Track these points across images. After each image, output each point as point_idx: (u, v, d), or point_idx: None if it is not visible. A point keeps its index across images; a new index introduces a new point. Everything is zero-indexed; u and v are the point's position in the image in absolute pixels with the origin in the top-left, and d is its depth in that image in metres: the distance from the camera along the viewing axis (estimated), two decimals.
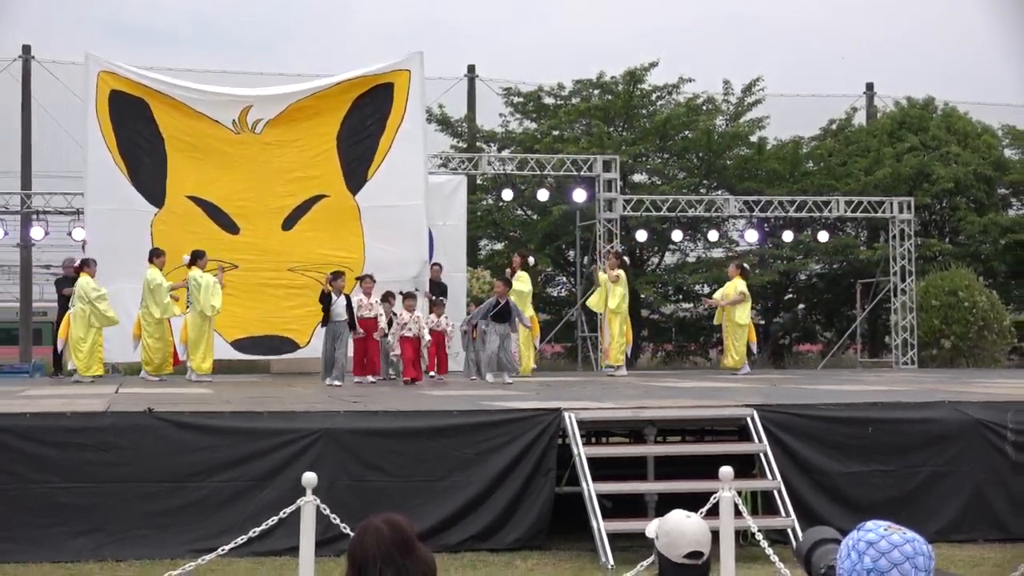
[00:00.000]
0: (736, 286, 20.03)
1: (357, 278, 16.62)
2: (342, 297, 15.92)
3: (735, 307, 19.94)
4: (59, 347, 17.83)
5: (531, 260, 19.94)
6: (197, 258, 16.73)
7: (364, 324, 16.08)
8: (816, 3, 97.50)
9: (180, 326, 17.02)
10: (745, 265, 22.10)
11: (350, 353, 16.27)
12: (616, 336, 19.32)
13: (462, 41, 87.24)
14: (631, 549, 9.17)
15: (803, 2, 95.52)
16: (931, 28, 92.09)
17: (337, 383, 15.41)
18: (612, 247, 23.36)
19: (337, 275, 16.12)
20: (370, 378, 16.17)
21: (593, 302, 20.30)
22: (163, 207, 18.24)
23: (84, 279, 16.59)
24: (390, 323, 16.37)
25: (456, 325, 17.87)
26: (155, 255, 16.86)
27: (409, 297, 16.34)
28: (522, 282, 18.72)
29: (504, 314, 16.12)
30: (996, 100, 34.66)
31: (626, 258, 21.68)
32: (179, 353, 17.19)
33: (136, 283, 17.04)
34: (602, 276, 19.55)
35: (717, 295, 21.07)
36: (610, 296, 19.25)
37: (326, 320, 15.99)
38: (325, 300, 15.97)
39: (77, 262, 17.54)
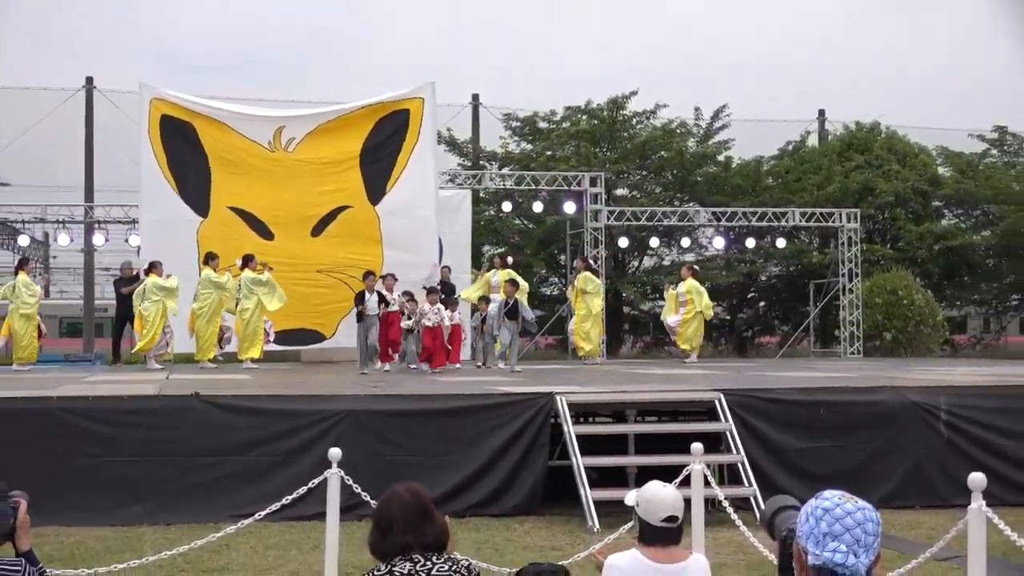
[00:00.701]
0: (688, 286, 19.83)
1: (380, 276, 16.50)
2: (374, 294, 15.65)
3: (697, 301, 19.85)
4: (135, 339, 17.86)
5: (510, 260, 19.89)
6: (248, 261, 16.73)
7: (386, 317, 15.82)
8: (776, 40, 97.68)
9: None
10: (696, 267, 21.96)
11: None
12: (577, 330, 19.38)
13: (467, 73, 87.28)
14: (614, 514, 9.15)
15: (763, 40, 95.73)
16: (877, 61, 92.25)
17: (364, 371, 15.18)
18: (597, 252, 23.36)
19: (368, 274, 15.93)
20: (386, 366, 15.85)
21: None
22: (207, 216, 18.19)
23: (153, 279, 16.61)
24: (409, 317, 16.06)
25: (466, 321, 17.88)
26: (210, 258, 16.81)
27: (432, 292, 16.13)
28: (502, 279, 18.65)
29: (513, 311, 16.09)
30: (932, 125, 34.79)
31: (592, 261, 21.55)
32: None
33: (184, 283, 17.03)
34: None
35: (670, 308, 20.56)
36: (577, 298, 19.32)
37: (361, 315, 15.72)
38: (359, 298, 15.74)
39: (145, 265, 17.48)
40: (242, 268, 16.68)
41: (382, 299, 15.64)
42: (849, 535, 2.88)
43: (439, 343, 15.73)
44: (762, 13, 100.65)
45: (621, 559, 5.37)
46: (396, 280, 16.19)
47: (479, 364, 17.41)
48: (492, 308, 17.37)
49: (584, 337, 19.44)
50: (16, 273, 17.37)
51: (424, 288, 16.45)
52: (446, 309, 16.42)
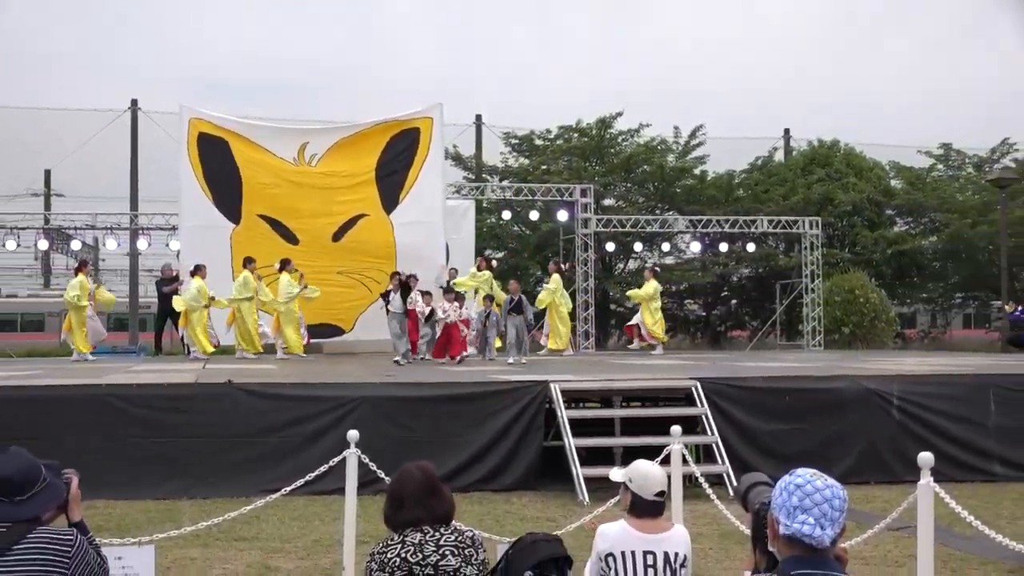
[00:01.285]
0: (652, 286, 19.67)
1: (404, 276, 15.94)
2: (399, 292, 15.19)
3: (650, 300, 19.60)
4: (181, 334, 17.83)
5: (493, 263, 19.68)
6: (285, 265, 16.72)
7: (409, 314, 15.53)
8: (747, 66, 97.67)
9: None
10: (657, 269, 21.83)
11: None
12: (554, 327, 19.30)
13: (471, 95, 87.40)
14: (602, 490, 9.13)
15: (736, 66, 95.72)
16: (838, 85, 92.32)
17: (398, 361, 14.70)
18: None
19: (395, 274, 15.67)
20: (412, 358, 15.34)
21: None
22: (239, 223, 18.16)
23: (197, 280, 16.58)
24: (430, 314, 15.77)
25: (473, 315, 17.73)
26: (248, 261, 16.73)
27: (448, 291, 15.97)
28: (483, 280, 18.36)
29: (519, 307, 15.84)
30: (885, 142, 34.80)
31: (564, 264, 21.43)
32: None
33: (219, 283, 16.99)
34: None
35: (633, 293, 20.46)
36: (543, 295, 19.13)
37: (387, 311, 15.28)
38: (384, 296, 15.33)
39: (186, 267, 17.53)
40: (280, 271, 16.71)
41: (407, 297, 15.25)
42: (817, 509, 2.89)
43: (454, 336, 15.53)
44: (734, 42, 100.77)
45: (611, 529, 5.37)
46: (418, 280, 15.97)
47: (483, 356, 17.17)
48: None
49: (553, 334, 19.40)
50: (76, 274, 17.45)
51: (440, 287, 16.42)
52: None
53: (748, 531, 4.40)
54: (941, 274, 32.37)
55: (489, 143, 31.93)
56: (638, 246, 28.42)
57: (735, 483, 8.81)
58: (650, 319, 19.61)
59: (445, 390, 10.77)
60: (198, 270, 16.71)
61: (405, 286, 15.40)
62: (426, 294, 15.94)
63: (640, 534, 5.19)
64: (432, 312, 15.75)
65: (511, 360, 15.29)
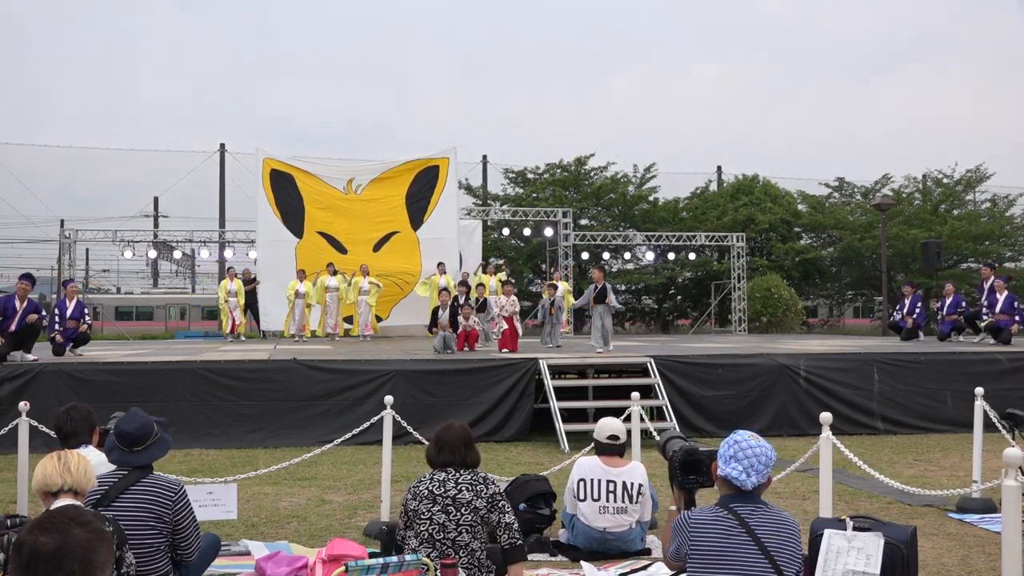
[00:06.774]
0: (565, 287, 19.41)
1: (456, 287, 14.50)
2: (447, 311, 12.67)
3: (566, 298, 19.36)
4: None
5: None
6: (329, 267, 16.67)
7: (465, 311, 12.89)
8: (688, 119, 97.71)
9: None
10: (567, 274, 21.67)
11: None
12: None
13: (480, 139, 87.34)
14: (579, 441, 9.14)
15: (681, 119, 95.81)
16: (759, 129, 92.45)
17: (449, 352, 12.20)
18: (567, 263, 23.25)
19: (443, 291, 13.27)
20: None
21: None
22: (302, 238, 18.16)
23: (302, 282, 16.50)
24: (482, 305, 13.55)
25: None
26: (331, 268, 16.64)
27: (508, 284, 14.28)
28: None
29: (602, 296, 12.61)
30: (795, 175, 34.80)
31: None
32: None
33: (287, 282, 16.93)
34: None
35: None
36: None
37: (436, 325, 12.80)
38: (433, 315, 13.09)
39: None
40: (331, 272, 16.64)
41: (454, 313, 12.61)
42: (747, 461, 2.90)
43: (513, 328, 13.55)
44: (681, 98, 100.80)
45: (586, 461, 5.44)
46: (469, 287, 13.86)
47: (547, 343, 14.30)
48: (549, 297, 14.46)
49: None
50: (221, 279, 17.73)
51: (500, 280, 15.65)
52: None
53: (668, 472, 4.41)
54: (836, 276, 32.36)
55: (492, 177, 31.97)
56: (606, 255, 28.35)
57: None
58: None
59: (458, 365, 10.75)
60: (303, 275, 16.66)
61: (453, 308, 12.70)
62: (507, 283, 14.11)
63: (605, 467, 5.28)
64: (485, 302, 13.66)
65: (599, 349, 12.28)
